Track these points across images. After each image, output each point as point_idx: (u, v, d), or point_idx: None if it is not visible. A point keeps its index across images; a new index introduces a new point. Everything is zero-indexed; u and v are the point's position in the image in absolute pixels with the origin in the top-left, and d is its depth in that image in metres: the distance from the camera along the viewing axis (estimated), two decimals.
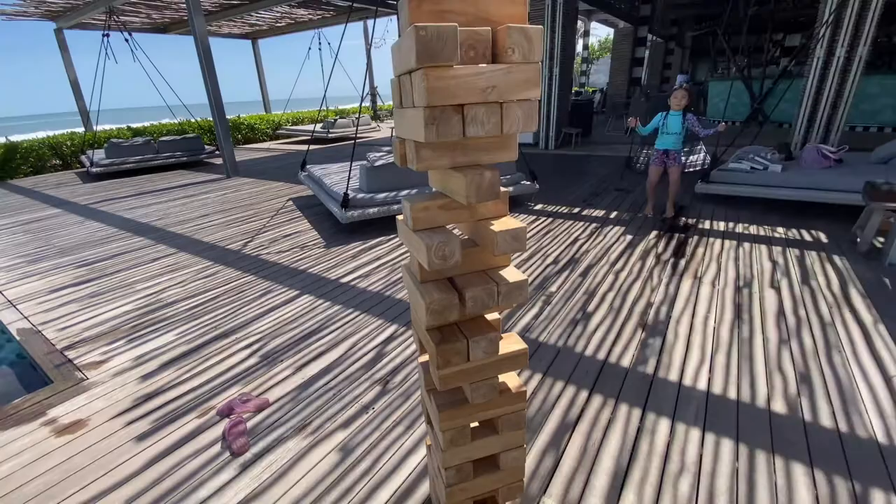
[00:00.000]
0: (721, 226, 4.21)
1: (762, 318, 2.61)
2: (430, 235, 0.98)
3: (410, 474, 1.68)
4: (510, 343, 1.17)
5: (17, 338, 2.80)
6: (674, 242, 3.87)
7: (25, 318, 3.09)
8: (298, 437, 1.90)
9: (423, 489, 1.61)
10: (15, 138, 9.76)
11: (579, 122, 9.79)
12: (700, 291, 2.97)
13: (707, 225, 4.26)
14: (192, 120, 12.03)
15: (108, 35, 8.90)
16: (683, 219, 4.47)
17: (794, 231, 3.99)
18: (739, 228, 4.12)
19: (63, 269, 4.02)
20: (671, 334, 2.51)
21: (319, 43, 14.40)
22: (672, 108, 4.30)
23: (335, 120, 12.90)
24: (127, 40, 9.05)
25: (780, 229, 4.04)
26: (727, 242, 3.79)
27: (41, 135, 10.20)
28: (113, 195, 7.19)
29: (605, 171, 6.91)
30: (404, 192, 4.63)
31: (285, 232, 4.78)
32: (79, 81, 10.98)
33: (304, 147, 8.71)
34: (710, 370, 2.19)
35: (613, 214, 4.73)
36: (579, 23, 14.46)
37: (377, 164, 4.57)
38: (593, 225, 4.42)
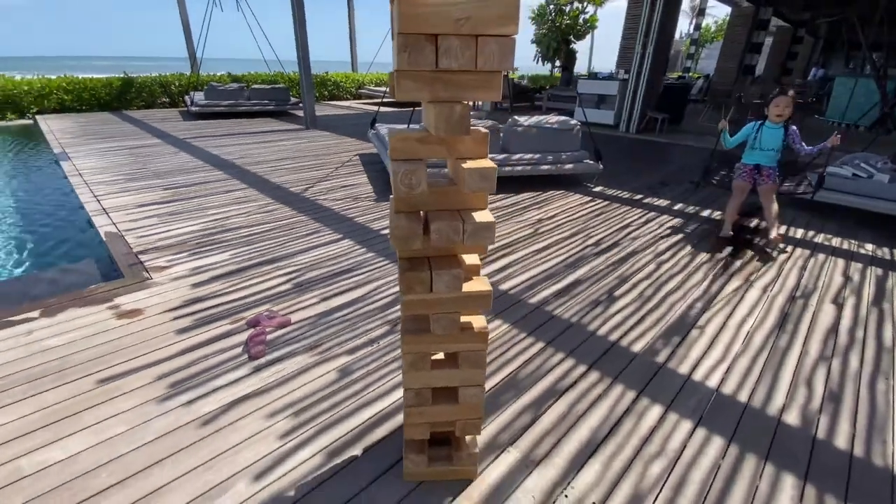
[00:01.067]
0: (799, 233, 3.78)
1: (808, 332, 2.37)
2: (400, 164, 1.03)
3: (394, 403, 1.81)
4: (476, 284, 1.20)
5: (104, 239, 3.30)
6: (729, 242, 3.55)
7: (114, 224, 3.61)
8: (308, 354, 2.10)
9: (400, 418, 1.73)
10: (132, 74, 11.03)
11: (669, 108, 9.05)
12: (746, 295, 2.74)
13: (783, 230, 3.84)
14: (284, 73, 12.77)
15: None
16: (755, 220, 4.07)
17: (886, 250, 3.49)
18: (820, 238, 3.68)
19: (153, 189, 4.59)
20: (697, 330, 2.37)
21: None
22: (770, 120, 3.38)
23: None
24: None
25: (870, 246, 3.55)
26: (799, 250, 3.42)
27: (155, 73, 11.43)
28: (206, 133, 7.95)
29: (683, 162, 6.41)
30: None
31: (344, 183, 5.04)
32: (190, 25, 12.05)
33: (378, 107, 8.95)
34: (728, 371, 2.06)
35: (678, 206, 4.42)
36: None
37: None
38: (651, 213, 4.17)
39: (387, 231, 3.62)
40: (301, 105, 9.35)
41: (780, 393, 1.92)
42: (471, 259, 1.28)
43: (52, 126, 8.14)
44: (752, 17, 13.49)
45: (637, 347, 2.21)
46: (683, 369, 2.07)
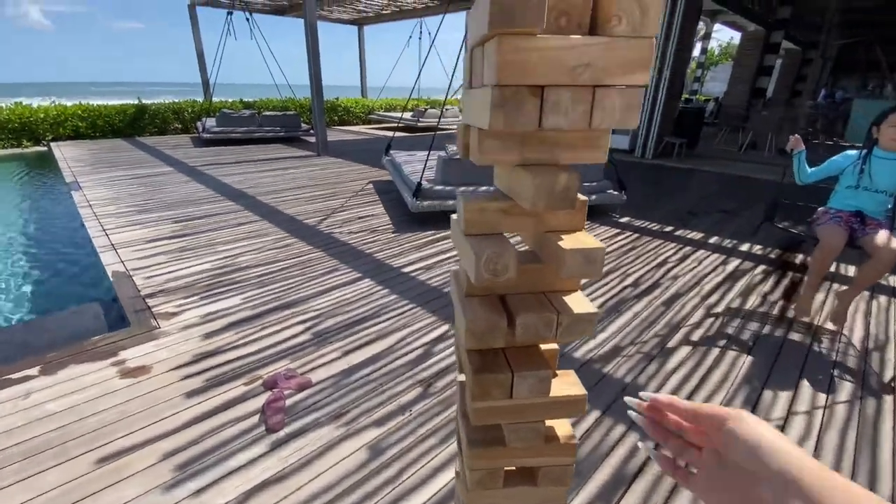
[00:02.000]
0: (852, 270, 3.51)
1: None
2: (481, 243, 0.81)
3: (437, 494, 1.55)
4: (566, 384, 0.96)
5: (111, 279, 3.10)
6: (786, 282, 3.29)
7: (122, 262, 3.42)
8: (332, 426, 1.85)
9: None
10: (146, 101, 11.12)
11: (685, 132, 8.90)
12: (813, 346, 2.47)
13: (840, 267, 3.58)
14: (295, 98, 12.86)
15: (231, 13, 9.73)
16: (802, 255, 3.81)
17: None
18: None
19: (162, 222, 4.43)
20: (769, 393, 2.09)
21: (420, 32, 14.63)
22: (884, 146, 2.39)
23: (425, 109, 13.05)
24: (247, 19, 9.83)
25: None
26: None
27: (168, 100, 11.52)
28: (217, 160, 7.88)
29: (708, 189, 6.19)
30: (483, 189, 4.47)
31: (360, 213, 4.86)
32: (204, 54, 12.21)
33: (393, 133, 8.87)
34: (817, 447, 1.78)
35: (713, 239, 4.17)
36: (700, 23, 13.15)
37: (455, 156, 4.45)
38: (687, 248, 3.93)
39: (409, 269, 3.40)
40: (312, 131, 9.31)
41: (885, 476, 1.64)
42: (547, 346, 1.05)
43: (66, 154, 8.11)
44: (764, 41, 13.48)
45: None
46: None
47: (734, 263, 3.61)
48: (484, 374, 0.89)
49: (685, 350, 2.42)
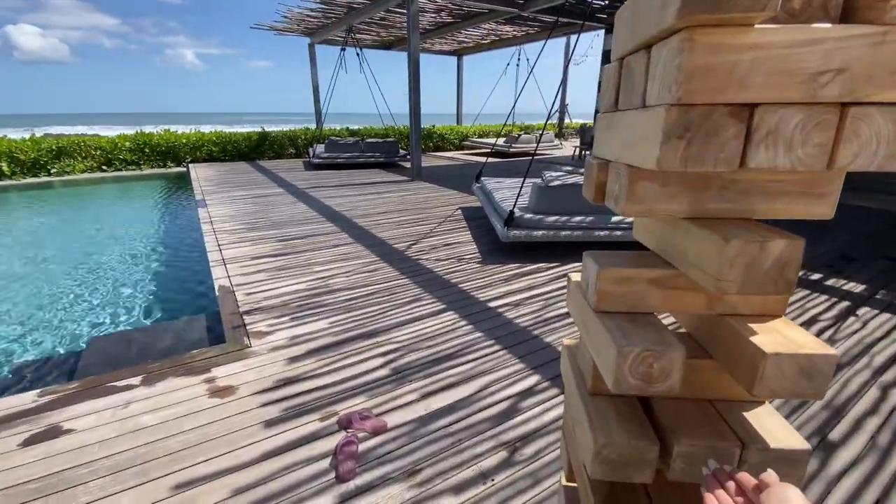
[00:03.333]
0: None
1: None
2: (626, 331, 0.56)
3: None
4: None
5: (217, 293, 3.31)
6: None
7: (228, 277, 3.66)
8: (404, 485, 1.65)
9: None
10: (268, 128, 12.47)
11: None
12: None
13: None
14: (395, 126, 13.54)
15: (344, 49, 10.58)
16: None
17: None
18: None
19: (267, 240, 4.74)
20: None
21: (518, 59, 14.66)
22: None
23: (519, 135, 12.91)
24: (358, 54, 10.61)
25: None
26: None
27: (285, 128, 12.81)
28: (322, 183, 8.45)
29: (867, 227, 5.10)
30: (577, 219, 4.12)
31: (447, 241, 4.76)
32: (319, 87, 13.44)
33: (485, 159, 8.81)
34: None
35: (880, 294, 3.33)
36: None
37: (552, 184, 4.16)
38: (843, 304, 3.17)
39: (495, 304, 3.17)
40: (409, 157, 9.62)
41: None
42: None
43: (200, 174, 9.31)
44: None
45: None
46: None
47: None
48: None
49: (856, 445, 1.84)
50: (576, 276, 0.74)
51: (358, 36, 11.81)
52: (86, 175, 9.64)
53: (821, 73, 0.41)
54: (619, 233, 4.04)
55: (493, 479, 1.68)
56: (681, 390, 0.62)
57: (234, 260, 4.09)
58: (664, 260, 0.61)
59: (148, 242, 5.67)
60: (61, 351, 3.15)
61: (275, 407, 2.09)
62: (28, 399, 2.12)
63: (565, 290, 3.42)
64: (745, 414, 0.61)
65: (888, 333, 2.74)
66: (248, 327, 2.85)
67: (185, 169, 10.64)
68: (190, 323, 3.18)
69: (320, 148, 10.76)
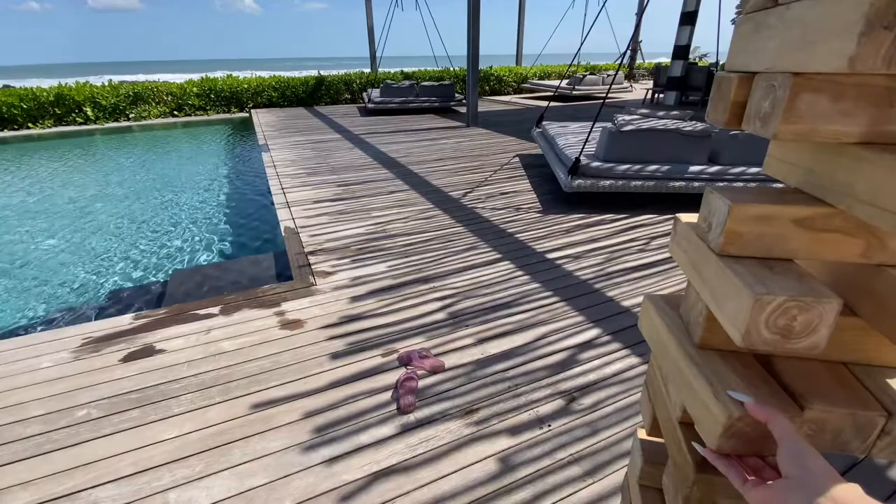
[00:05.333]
0: None
1: None
2: (763, 277, 0.48)
3: None
4: None
5: (283, 235, 3.46)
6: None
7: (293, 219, 3.80)
8: (462, 422, 1.71)
9: None
10: (324, 73, 12.41)
11: None
12: None
13: None
14: (451, 69, 12.99)
15: None
16: None
17: None
18: None
19: (328, 185, 4.84)
20: None
21: None
22: None
23: (584, 76, 11.99)
24: None
25: None
26: None
27: (340, 72, 12.68)
28: (378, 129, 8.40)
29: None
30: (652, 168, 3.81)
31: (504, 189, 4.62)
32: (373, 28, 13.04)
33: (545, 103, 8.30)
34: None
35: None
36: None
37: (625, 128, 3.84)
38: None
39: (554, 256, 3.07)
40: (465, 101, 9.28)
41: None
42: None
43: (262, 119, 9.56)
44: None
45: None
46: None
47: None
48: (713, 475, 0.58)
49: None
50: (687, 218, 0.65)
51: None
52: (160, 120, 10.20)
53: None
54: (697, 184, 3.71)
55: (549, 425, 1.68)
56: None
57: (297, 203, 4.23)
58: (815, 197, 0.51)
59: (221, 184, 6.00)
60: (151, 279, 3.48)
61: (340, 341, 2.20)
62: (125, 322, 2.38)
63: (632, 244, 3.25)
64: (890, 381, 0.52)
65: None
66: (312, 267, 2.97)
67: (247, 114, 10.96)
68: (259, 261, 3.38)
69: (375, 93, 10.60)
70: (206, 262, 3.76)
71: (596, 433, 1.65)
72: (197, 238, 4.26)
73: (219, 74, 11.50)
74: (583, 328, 2.29)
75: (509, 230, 3.56)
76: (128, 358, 2.09)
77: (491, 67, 14.70)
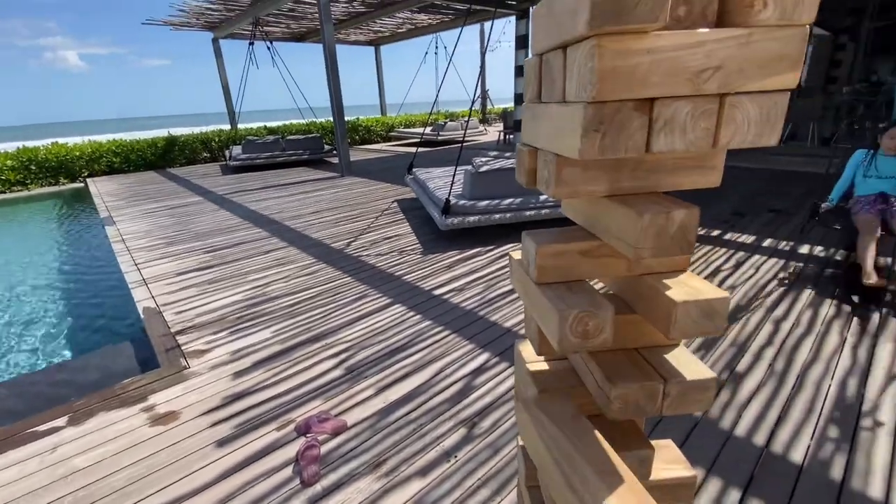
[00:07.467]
0: None
1: None
2: (564, 297, 0.64)
3: None
4: (669, 463, 0.77)
5: (142, 317, 3.06)
6: (859, 286, 2.96)
7: (153, 297, 3.39)
8: (371, 477, 1.69)
9: None
10: (175, 132, 11.49)
11: None
12: None
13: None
14: (317, 121, 13.05)
15: (252, 44, 9.97)
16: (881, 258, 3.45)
17: None
18: None
19: (193, 253, 4.43)
20: (867, 421, 1.81)
21: (436, 47, 14.71)
22: (885, 151, 3.00)
23: (445, 123, 13.02)
24: (269, 48, 10.05)
25: None
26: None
27: (196, 130, 11.86)
28: (244, 187, 7.98)
29: (751, 186, 5.82)
30: (508, 201, 4.30)
31: (387, 234, 4.75)
32: (229, 85, 12.57)
33: (414, 149, 8.80)
34: None
35: (767, 242, 3.85)
36: None
37: (482, 169, 4.30)
38: (740, 254, 3.63)
39: (440, 292, 3.24)
40: (335, 152, 9.37)
41: None
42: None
43: (101, 189, 8.39)
44: None
45: (796, 455, 1.68)
46: (874, 492, 1.52)
47: (796, 268, 3.30)
48: None
49: (758, 373, 2.15)
50: (517, 255, 0.81)
51: (266, 28, 11.16)
52: None
53: (703, 70, 0.50)
54: (546, 211, 4.28)
55: (455, 456, 1.76)
56: (613, 342, 0.72)
57: (156, 278, 3.79)
58: (590, 233, 0.70)
59: (49, 271, 5.06)
60: None
61: (226, 425, 2.01)
62: None
63: (505, 271, 3.59)
64: (665, 356, 0.72)
65: (775, 276, 3.20)
66: (183, 348, 2.68)
67: (81, 184, 9.52)
68: (114, 352, 2.92)
69: (237, 149, 10.11)
70: (42, 368, 3.12)
71: (497, 452, 1.76)
72: (19, 341, 3.52)
73: (42, 143, 9.84)
74: (474, 355, 2.44)
75: (397, 273, 3.66)
76: None
77: (358, 119, 15.13)
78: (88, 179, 9.63)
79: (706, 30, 0.48)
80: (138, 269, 4.03)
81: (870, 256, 2.77)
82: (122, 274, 4.00)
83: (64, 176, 9.65)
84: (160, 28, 11.05)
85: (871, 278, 2.69)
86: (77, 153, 9.81)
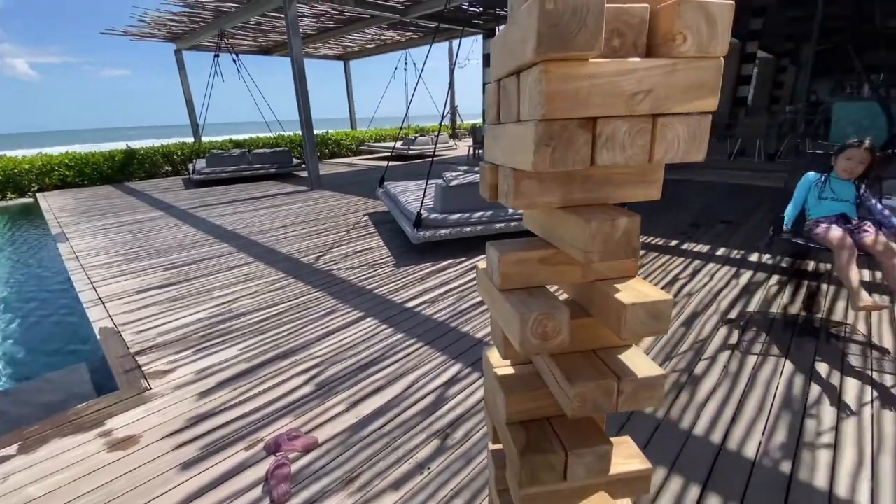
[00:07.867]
0: (866, 274, 3.42)
1: None
2: (525, 301, 0.68)
3: None
4: (626, 458, 0.82)
5: (98, 337, 2.92)
6: (803, 292, 3.18)
7: (110, 317, 3.25)
8: (344, 494, 1.67)
9: None
10: (134, 145, 11.10)
11: None
12: (847, 360, 2.34)
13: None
14: (285, 134, 12.91)
15: (218, 56, 9.82)
16: (812, 262, 3.71)
17: None
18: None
19: (153, 270, 4.27)
20: (811, 420, 1.94)
21: (405, 63, 14.91)
22: (837, 174, 2.74)
23: (415, 137, 13.15)
24: (234, 61, 9.93)
25: None
26: (876, 296, 3.03)
27: (157, 143, 11.50)
28: (208, 201, 7.77)
29: (704, 200, 6.15)
30: (478, 214, 4.38)
31: (358, 248, 4.73)
32: (192, 97, 12.29)
33: (385, 163, 8.84)
34: (873, 478, 1.63)
35: (721, 251, 4.07)
36: None
37: (452, 183, 4.37)
38: (696, 262, 3.82)
39: (412, 304, 3.26)
40: (304, 165, 9.28)
41: None
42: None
43: (53, 204, 7.98)
44: (740, 51, 13.82)
45: (749, 451, 1.78)
46: (819, 481, 1.63)
47: (747, 276, 3.50)
48: (532, 455, 0.75)
49: (715, 375, 2.27)
50: (483, 265, 0.85)
51: (232, 41, 11.02)
52: None
53: (636, 93, 0.56)
54: (514, 223, 4.38)
55: (429, 468, 1.76)
56: (571, 345, 0.76)
57: (114, 297, 3.62)
58: (548, 242, 0.75)
59: None
60: None
61: (191, 447, 1.94)
62: None
63: (475, 282, 3.64)
64: (619, 356, 0.78)
65: (728, 283, 3.39)
66: (143, 369, 2.57)
67: (31, 199, 9.02)
68: (68, 374, 2.77)
69: (201, 163, 9.86)
70: None
71: (469, 462, 1.78)
72: None
73: None
74: (447, 366, 2.46)
75: (368, 287, 3.65)
76: None
77: (328, 132, 15.06)
78: (39, 194, 9.14)
79: (637, 59, 0.55)
80: (94, 288, 3.85)
81: (854, 275, 2.37)
82: (76, 294, 3.81)
83: (11, 190, 9.12)
84: (120, 38, 10.73)
85: (865, 300, 2.27)
86: (26, 166, 9.31)
